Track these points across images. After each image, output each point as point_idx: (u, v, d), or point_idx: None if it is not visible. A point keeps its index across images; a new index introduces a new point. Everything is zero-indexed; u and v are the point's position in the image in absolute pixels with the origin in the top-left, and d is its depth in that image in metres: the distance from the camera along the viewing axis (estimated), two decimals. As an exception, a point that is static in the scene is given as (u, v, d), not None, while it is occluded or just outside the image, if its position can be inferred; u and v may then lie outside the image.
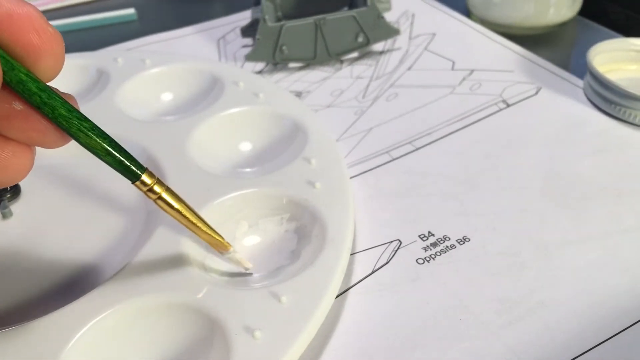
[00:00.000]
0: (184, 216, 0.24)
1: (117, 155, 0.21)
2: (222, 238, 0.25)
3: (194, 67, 0.38)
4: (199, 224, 0.24)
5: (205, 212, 0.28)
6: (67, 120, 0.19)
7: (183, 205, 0.23)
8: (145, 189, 0.22)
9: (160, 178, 0.23)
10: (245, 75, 0.38)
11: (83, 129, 0.19)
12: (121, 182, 0.31)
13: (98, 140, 0.20)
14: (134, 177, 0.21)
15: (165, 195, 0.23)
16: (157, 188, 0.22)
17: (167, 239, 0.27)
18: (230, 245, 0.26)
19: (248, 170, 0.32)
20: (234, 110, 0.34)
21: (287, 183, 0.29)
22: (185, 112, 0.36)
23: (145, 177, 0.22)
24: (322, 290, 0.24)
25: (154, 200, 0.23)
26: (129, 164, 0.21)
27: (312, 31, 0.40)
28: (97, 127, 0.20)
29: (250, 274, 0.27)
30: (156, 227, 0.27)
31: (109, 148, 0.20)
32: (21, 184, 0.32)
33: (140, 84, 0.37)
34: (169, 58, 0.39)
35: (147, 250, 0.26)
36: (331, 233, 0.27)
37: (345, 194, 0.29)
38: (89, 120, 0.20)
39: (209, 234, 0.25)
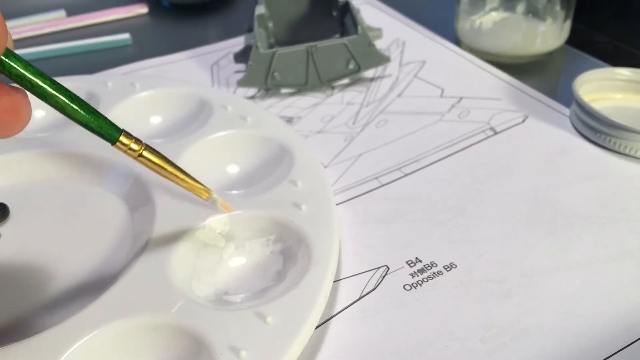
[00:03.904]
0: (165, 169, 0.25)
1: (97, 119, 0.22)
2: (203, 185, 0.27)
3: (183, 91, 0.39)
4: (180, 175, 0.26)
5: (192, 233, 0.28)
6: (57, 90, 0.21)
7: (162, 159, 0.25)
8: (125, 148, 0.23)
9: (138, 140, 0.24)
10: (233, 99, 0.38)
11: (74, 98, 0.21)
12: (109, 204, 0.32)
13: (81, 108, 0.21)
14: (113, 139, 0.23)
15: (145, 153, 0.24)
16: (134, 146, 0.24)
17: (153, 260, 0.27)
18: (210, 190, 0.27)
19: (235, 192, 0.32)
20: (222, 134, 0.34)
21: (274, 205, 0.30)
22: (173, 135, 0.36)
23: (123, 138, 0.23)
24: (308, 310, 0.24)
25: (135, 158, 0.24)
26: (108, 126, 0.22)
27: (303, 58, 0.41)
28: (78, 97, 0.21)
29: (236, 294, 0.27)
30: (143, 249, 0.27)
31: (89, 114, 0.22)
32: (10, 205, 0.32)
33: (129, 108, 0.38)
34: (158, 82, 0.40)
35: (134, 272, 0.26)
36: (317, 254, 0.27)
37: (330, 215, 0.29)
38: (70, 92, 0.21)
39: (190, 183, 0.26)
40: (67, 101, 0.21)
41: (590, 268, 0.28)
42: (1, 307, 0.27)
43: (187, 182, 0.26)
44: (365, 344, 0.25)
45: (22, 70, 0.20)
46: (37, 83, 0.20)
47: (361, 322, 0.26)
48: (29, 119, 0.20)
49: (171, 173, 0.25)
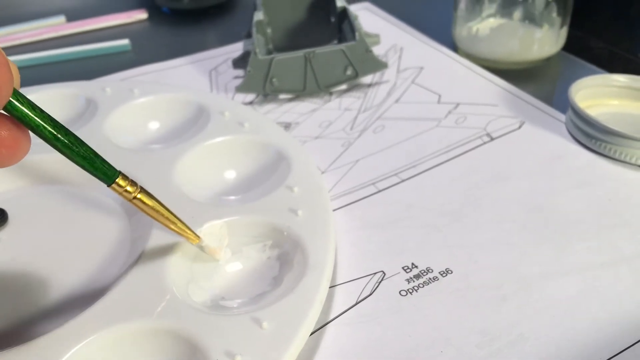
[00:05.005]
0: (158, 212, 0.25)
1: (94, 162, 0.22)
2: (192, 231, 0.27)
3: (181, 97, 0.39)
4: (172, 219, 0.26)
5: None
6: (58, 132, 0.21)
7: (156, 202, 0.25)
8: (120, 190, 0.24)
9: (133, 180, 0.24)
10: (230, 105, 0.38)
11: (72, 141, 0.21)
12: (107, 210, 0.32)
13: (80, 151, 0.22)
14: (109, 180, 0.23)
15: (139, 195, 0.24)
16: (130, 188, 0.24)
17: (150, 266, 0.27)
18: (199, 237, 0.27)
19: (232, 198, 0.32)
20: (219, 139, 0.35)
21: (270, 211, 0.30)
22: (171, 141, 0.36)
23: (119, 180, 0.23)
24: (303, 315, 0.25)
25: (130, 200, 0.24)
26: (105, 168, 0.23)
27: (302, 64, 0.41)
28: (78, 138, 0.22)
29: (232, 299, 0.27)
30: (140, 255, 0.27)
31: (87, 157, 0.22)
32: (9, 211, 0.32)
33: (127, 113, 0.38)
34: (157, 88, 0.40)
35: (131, 277, 0.26)
36: (312, 259, 0.27)
37: (326, 220, 0.29)
38: (71, 133, 0.22)
39: (181, 228, 0.26)
40: (67, 143, 0.21)
41: (585, 274, 0.28)
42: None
43: (178, 226, 0.26)
44: (361, 349, 0.25)
45: (26, 111, 0.20)
46: (39, 125, 0.20)
47: (357, 328, 0.26)
48: (25, 154, 0.20)
49: (163, 216, 0.25)
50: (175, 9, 0.57)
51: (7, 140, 0.19)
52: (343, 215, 0.32)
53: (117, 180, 0.23)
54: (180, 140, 0.36)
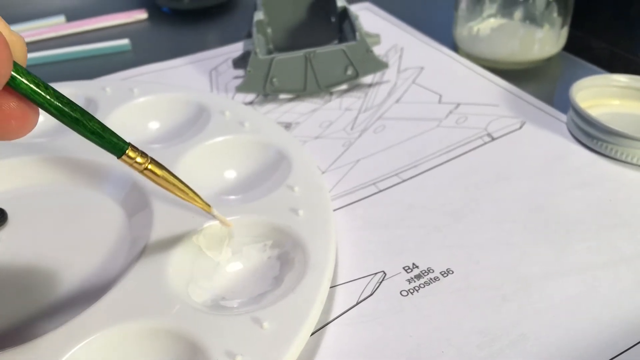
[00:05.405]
0: (169, 182, 0.25)
1: (104, 134, 0.22)
2: (204, 200, 0.27)
3: (181, 97, 0.39)
4: (184, 189, 0.26)
5: (189, 239, 0.28)
6: (65, 105, 0.21)
7: (167, 172, 0.25)
8: (130, 161, 0.24)
9: (144, 153, 0.24)
10: (231, 104, 0.38)
11: (79, 115, 0.21)
12: (107, 209, 0.32)
13: (88, 123, 0.22)
14: (119, 152, 0.23)
15: (150, 166, 0.24)
16: (140, 160, 0.24)
17: (151, 265, 0.27)
18: (210, 206, 0.28)
19: (232, 197, 0.32)
20: (220, 139, 0.35)
21: (271, 210, 0.30)
22: (171, 141, 0.36)
23: (129, 152, 0.23)
24: (304, 315, 0.25)
25: (141, 172, 0.24)
26: (114, 141, 0.23)
27: (302, 64, 0.41)
28: (85, 112, 0.22)
29: (232, 299, 0.27)
30: (140, 254, 0.27)
31: (96, 129, 0.22)
32: (8, 210, 0.32)
33: (127, 113, 0.38)
34: (157, 87, 0.40)
35: (131, 277, 0.26)
36: (313, 258, 0.27)
37: (327, 220, 0.29)
38: (78, 107, 0.21)
39: (192, 197, 0.27)
40: (74, 118, 0.21)
41: (585, 274, 0.28)
42: (0, 311, 0.27)
43: (189, 195, 0.26)
44: (361, 350, 0.25)
45: (30, 88, 0.20)
46: (44, 102, 0.20)
47: (358, 328, 0.26)
48: (34, 126, 0.20)
49: (174, 186, 0.26)
50: (175, 8, 0.57)
51: (16, 112, 0.19)
52: (344, 215, 0.32)
53: (127, 151, 0.23)
54: (181, 140, 0.36)
